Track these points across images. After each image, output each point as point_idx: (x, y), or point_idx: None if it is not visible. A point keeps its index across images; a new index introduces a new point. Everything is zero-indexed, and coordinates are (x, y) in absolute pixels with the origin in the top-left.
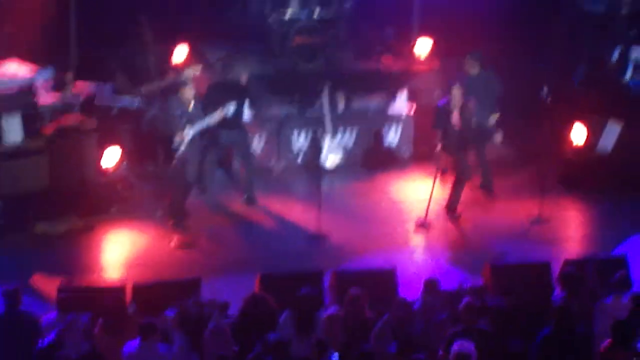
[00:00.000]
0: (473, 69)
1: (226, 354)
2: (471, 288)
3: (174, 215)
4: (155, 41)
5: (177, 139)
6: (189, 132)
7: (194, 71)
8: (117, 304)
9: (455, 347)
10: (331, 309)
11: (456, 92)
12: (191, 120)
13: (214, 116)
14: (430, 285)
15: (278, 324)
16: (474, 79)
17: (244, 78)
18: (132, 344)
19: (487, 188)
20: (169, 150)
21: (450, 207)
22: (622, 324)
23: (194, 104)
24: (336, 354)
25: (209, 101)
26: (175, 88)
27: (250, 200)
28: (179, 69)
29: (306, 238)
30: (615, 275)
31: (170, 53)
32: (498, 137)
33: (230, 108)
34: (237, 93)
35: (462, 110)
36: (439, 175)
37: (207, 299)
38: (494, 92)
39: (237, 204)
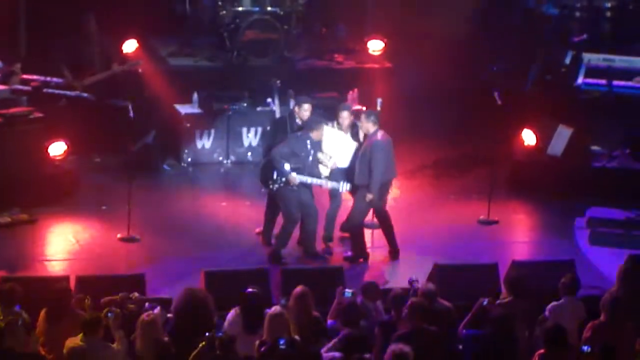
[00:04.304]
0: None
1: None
2: (417, 289)
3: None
4: (102, 33)
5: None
6: (298, 178)
7: (137, 64)
8: (63, 294)
9: (391, 348)
10: (275, 307)
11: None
12: (305, 166)
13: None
14: (368, 289)
15: (226, 321)
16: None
17: None
18: (75, 340)
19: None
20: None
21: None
22: (558, 328)
23: (314, 152)
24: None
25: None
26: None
27: None
28: (123, 60)
29: (253, 235)
30: (562, 278)
31: (117, 45)
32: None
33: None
34: None
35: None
36: None
37: (151, 294)
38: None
39: (186, 200)
